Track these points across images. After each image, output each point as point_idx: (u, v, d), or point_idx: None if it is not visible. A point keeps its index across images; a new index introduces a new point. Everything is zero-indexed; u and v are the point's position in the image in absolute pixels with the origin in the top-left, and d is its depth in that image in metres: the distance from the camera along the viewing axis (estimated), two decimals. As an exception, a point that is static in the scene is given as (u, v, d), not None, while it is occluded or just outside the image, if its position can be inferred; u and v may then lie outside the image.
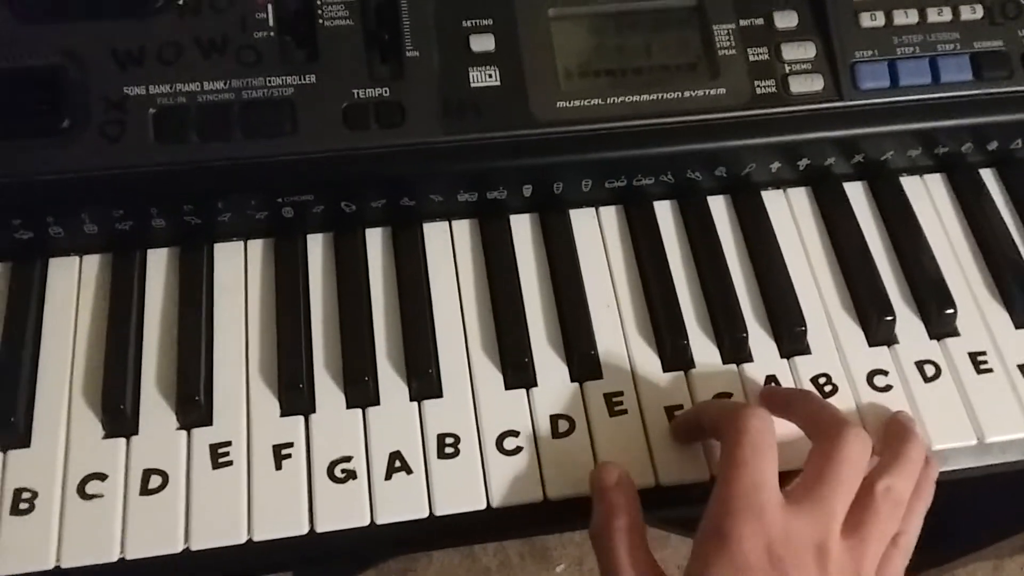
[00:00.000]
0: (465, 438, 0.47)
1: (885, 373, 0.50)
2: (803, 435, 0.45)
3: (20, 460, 0.45)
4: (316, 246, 0.52)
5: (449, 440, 0.47)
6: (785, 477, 0.42)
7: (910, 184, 0.56)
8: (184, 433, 0.47)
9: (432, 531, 0.46)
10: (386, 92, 0.50)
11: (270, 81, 0.50)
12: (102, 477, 0.45)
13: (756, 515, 0.39)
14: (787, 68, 0.53)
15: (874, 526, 0.41)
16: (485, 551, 1.29)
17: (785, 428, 0.45)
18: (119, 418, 0.46)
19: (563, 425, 0.48)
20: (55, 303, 0.50)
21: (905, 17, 0.54)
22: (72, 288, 0.50)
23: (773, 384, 0.49)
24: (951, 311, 0.51)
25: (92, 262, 0.51)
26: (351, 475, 0.46)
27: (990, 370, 0.50)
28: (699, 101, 0.52)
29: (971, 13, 0.54)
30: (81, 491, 0.45)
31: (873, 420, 0.48)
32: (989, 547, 1.09)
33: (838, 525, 0.40)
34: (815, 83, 0.53)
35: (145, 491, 0.45)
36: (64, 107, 0.48)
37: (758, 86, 0.53)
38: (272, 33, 0.50)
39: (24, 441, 0.46)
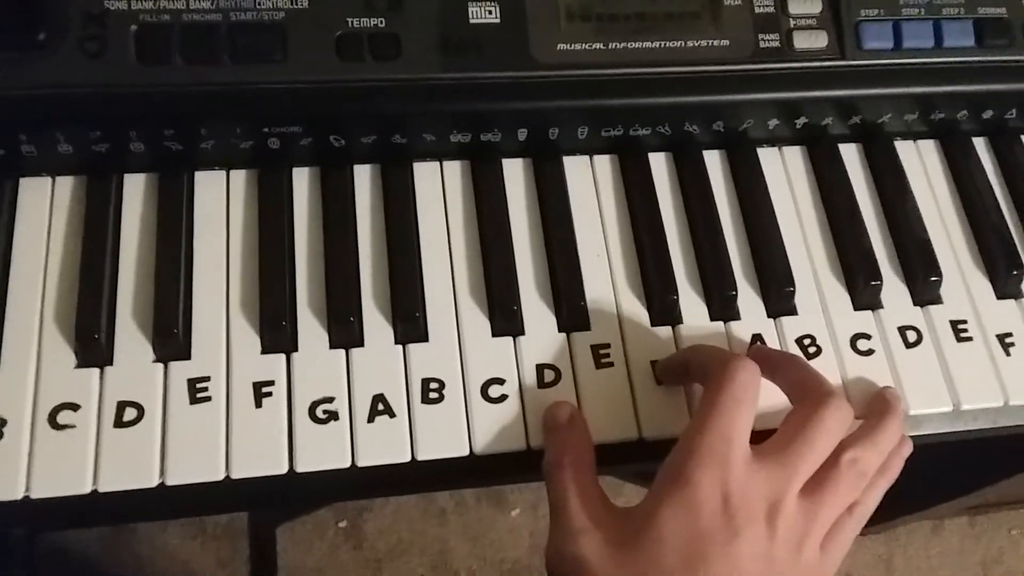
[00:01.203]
0: (450, 384, 0.46)
1: (868, 337, 0.50)
2: (784, 401, 0.45)
3: (-13, 386, 0.44)
4: (302, 180, 0.51)
5: (434, 385, 0.46)
6: (758, 437, 0.42)
7: (904, 149, 0.56)
8: (161, 366, 0.45)
9: (413, 475, 0.45)
10: (382, 23, 0.48)
11: (260, 3, 0.48)
12: (74, 407, 0.44)
13: (719, 464, 0.39)
14: (792, 23, 0.52)
15: (831, 493, 0.41)
16: (441, 493, 1.31)
17: (769, 391, 0.45)
18: (93, 347, 0.45)
19: (549, 375, 0.47)
20: (26, 225, 0.48)
21: (913, -23, 0.53)
22: (44, 210, 0.48)
23: (759, 343, 0.49)
24: (936, 279, 0.51)
25: (66, 184, 0.49)
26: (333, 416, 0.45)
27: (970, 339, 0.51)
28: (702, 52, 0.51)
29: (977, -22, 0.54)
30: (52, 421, 0.43)
31: (857, 392, 0.48)
32: (930, 508, 1.12)
33: (797, 487, 0.40)
34: (819, 39, 0.52)
35: (119, 423, 0.44)
36: (40, 19, 0.45)
37: (762, 39, 0.52)
38: (264, -48, 0.48)
39: (-8, 367, 0.44)
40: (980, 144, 0.57)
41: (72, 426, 0.43)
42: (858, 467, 0.42)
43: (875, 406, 0.46)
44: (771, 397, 0.45)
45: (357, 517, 1.27)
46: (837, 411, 0.42)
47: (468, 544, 1.27)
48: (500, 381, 0.47)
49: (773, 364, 0.45)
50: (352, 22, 0.48)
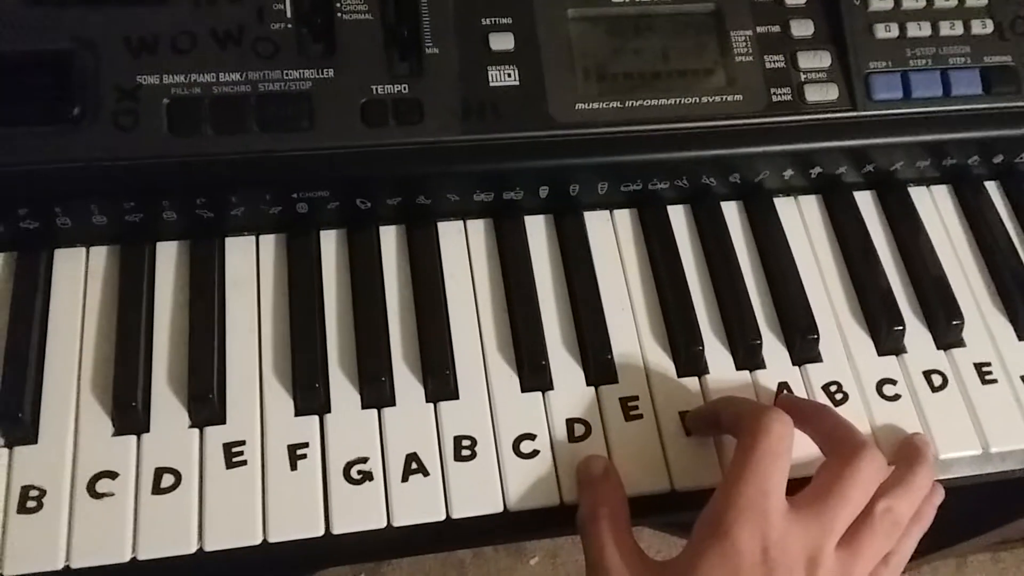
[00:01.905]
0: (482, 440, 0.47)
1: (894, 382, 0.51)
2: (815, 451, 0.45)
3: (27, 457, 0.44)
4: (330, 242, 0.52)
5: (466, 442, 0.47)
6: (791, 485, 0.43)
7: (917, 195, 0.57)
8: (196, 431, 0.46)
9: (448, 534, 0.45)
10: (405, 89, 0.50)
11: (287, 74, 0.49)
12: (112, 475, 0.44)
13: (758, 517, 0.39)
14: (803, 76, 0.53)
15: (868, 544, 0.41)
16: (460, 543, 1.30)
17: (799, 441, 0.45)
18: (130, 415, 0.45)
19: (579, 429, 0.48)
20: (61, 295, 0.49)
21: (919, 29, 0.54)
22: (79, 280, 0.49)
23: (786, 391, 0.50)
24: (959, 322, 0.52)
25: (100, 254, 0.50)
26: (367, 476, 0.45)
27: (995, 380, 0.51)
28: (716, 107, 0.52)
29: (981, 28, 0.55)
30: (91, 489, 0.44)
31: (886, 439, 0.49)
32: (955, 546, 1.11)
33: (835, 539, 0.41)
34: (830, 92, 0.53)
35: (157, 490, 0.44)
36: (74, 94, 0.47)
37: (774, 93, 0.53)
38: (289, 25, 0.49)
39: (31, 437, 0.45)
40: (992, 188, 0.58)
41: (111, 494, 0.44)
42: (892, 516, 0.42)
43: (905, 453, 0.46)
44: (802, 447, 0.45)
45: (375, 571, 1.26)
46: (872, 462, 0.42)
47: (488, 595, 1.26)
48: (531, 436, 0.47)
49: (803, 414, 0.46)
50: (376, 89, 0.49)
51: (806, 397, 0.50)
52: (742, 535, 0.39)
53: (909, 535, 0.45)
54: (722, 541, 0.39)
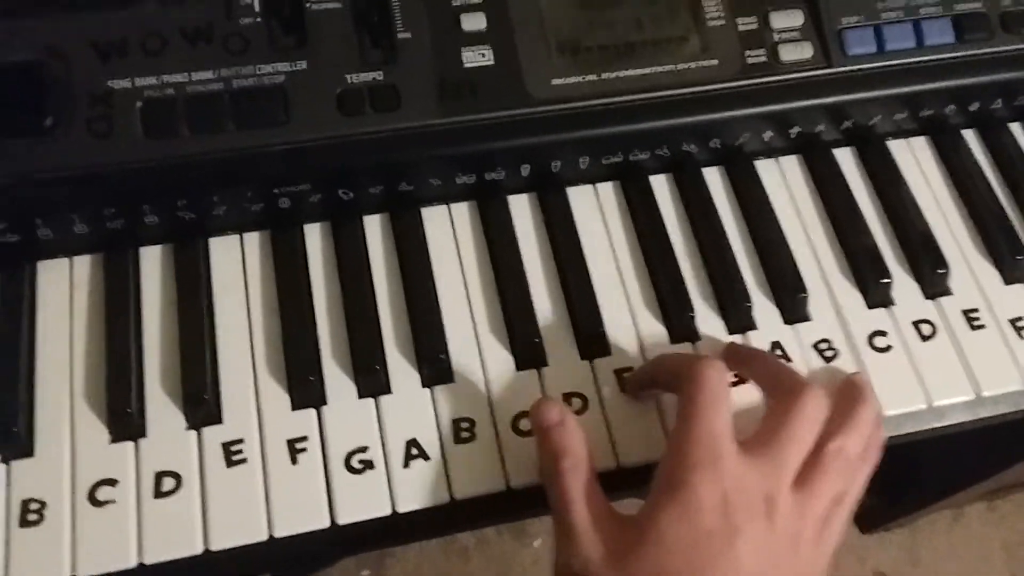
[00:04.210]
0: (480, 421, 0.47)
1: (884, 334, 0.51)
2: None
3: (25, 470, 0.44)
4: (314, 235, 0.51)
5: (464, 424, 0.47)
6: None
7: (896, 148, 0.57)
8: (194, 433, 0.46)
9: (453, 516, 0.45)
10: (380, 76, 0.49)
11: (260, 69, 0.49)
12: (112, 482, 0.44)
13: (712, 463, 0.40)
14: (776, 36, 0.53)
15: (823, 483, 0.42)
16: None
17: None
18: (126, 421, 0.45)
19: (576, 403, 0.48)
20: (48, 307, 0.48)
21: (888, -18, 0.54)
22: (64, 291, 0.49)
23: (779, 351, 0.50)
24: (944, 271, 0.52)
25: (83, 263, 0.50)
26: (368, 465, 0.45)
27: (983, 326, 0.52)
28: (692, 73, 0.52)
29: (950, -25, 0.55)
30: (92, 498, 0.44)
31: (880, 386, 0.49)
32: (951, 496, 1.13)
33: (790, 479, 0.41)
34: (804, 51, 0.53)
35: (159, 494, 0.44)
36: (46, 104, 0.46)
37: (748, 56, 0.53)
38: (258, 19, 0.49)
39: (27, 451, 0.45)
40: (970, 136, 0.59)
41: (112, 501, 0.44)
42: (843, 455, 0.42)
43: (846, 393, 0.46)
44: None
45: (380, 564, 1.26)
46: (814, 399, 0.42)
47: (494, 580, 1.26)
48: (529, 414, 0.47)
49: (743, 360, 0.47)
50: (351, 78, 0.49)
51: (799, 355, 0.50)
52: (700, 484, 0.39)
53: (859, 472, 0.45)
54: (681, 492, 0.39)
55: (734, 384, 0.48)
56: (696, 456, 0.40)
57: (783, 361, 0.46)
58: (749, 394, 0.47)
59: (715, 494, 0.39)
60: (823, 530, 0.42)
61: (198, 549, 0.43)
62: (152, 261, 0.50)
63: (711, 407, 0.41)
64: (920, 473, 1.16)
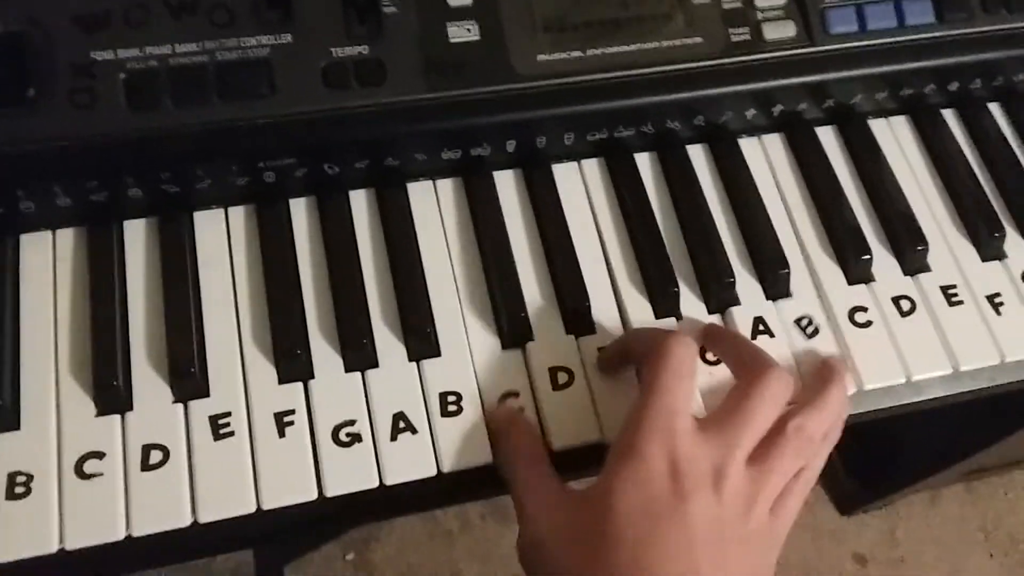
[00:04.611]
0: (467, 395, 0.47)
1: (865, 310, 0.52)
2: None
3: (11, 443, 0.44)
4: (300, 210, 0.51)
5: (451, 398, 0.47)
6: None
7: (877, 127, 0.58)
8: (181, 406, 0.46)
9: (440, 488, 0.46)
10: (365, 50, 0.49)
11: (244, 42, 0.48)
12: (99, 455, 0.44)
13: (666, 435, 0.41)
14: (760, 15, 0.54)
15: (779, 460, 0.42)
16: (446, 514, 1.31)
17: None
18: (113, 394, 0.45)
19: (562, 377, 0.48)
20: (31, 281, 0.48)
21: (870, -39, 0.55)
22: (48, 264, 0.48)
23: (761, 327, 0.50)
24: (923, 247, 0.53)
25: (67, 236, 0.49)
26: (356, 438, 0.45)
27: (961, 302, 0.52)
28: (676, 51, 0.53)
29: (932, -44, 0.56)
30: (79, 470, 0.44)
31: (860, 361, 0.50)
32: (928, 478, 1.15)
33: (742, 454, 0.42)
34: (788, 29, 0.54)
35: (146, 467, 0.44)
36: (28, 75, 0.46)
37: (732, 34, 0.53)
38: (243, -9, 0.49)
39: (13, 423, 0.44)
40: (950, 116, 0.59)
41: (99, 474, 0.44)
42: (804, 433, 0.43)
43: (821, 374, 0.47)
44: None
45: (364, 548, 1.27)
46: (776, 380, 0.43)
47: (478, 564, 1.27)
48: (515, 391, 0.47)
49: (715, 340, 0.48)
50: (336, 52, 0.49)
51: (781, 330, 0.50)
52: (651, 452, 0.40)
53: (820, 451, 0.45)
54: (633, 459, 0.40)
55: (714, 363, 0.49)
56: (651, 427, 0.41)
57: (756, 344, 0.47)
58: (727, 374, 0.48)
59: (664, 462, 0.40)
60: (778, 506, 0.43)
61: (186, 521, 0.43)
62: (136, 234, 0.50)
63: (673, 381, 0.42)
64: (898, 455, 1.18)
